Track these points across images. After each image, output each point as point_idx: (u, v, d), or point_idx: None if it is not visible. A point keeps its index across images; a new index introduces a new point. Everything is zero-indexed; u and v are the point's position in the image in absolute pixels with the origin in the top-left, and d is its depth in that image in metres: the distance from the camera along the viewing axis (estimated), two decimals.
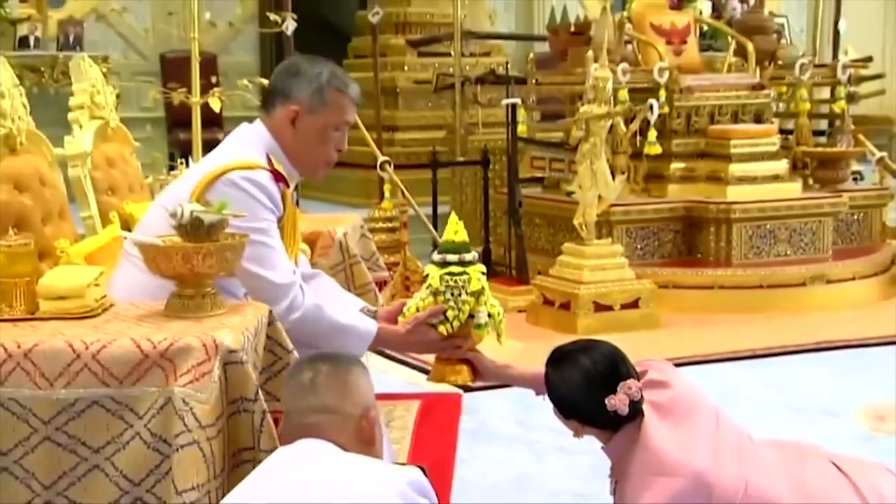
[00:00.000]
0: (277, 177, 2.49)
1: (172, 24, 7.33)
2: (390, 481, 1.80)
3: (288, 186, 2.52)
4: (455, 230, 2.52)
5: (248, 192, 2.42)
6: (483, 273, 2.51)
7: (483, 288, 2.47)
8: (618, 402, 2.15)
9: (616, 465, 2.24)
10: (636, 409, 2.19)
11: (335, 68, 2.63)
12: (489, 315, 2.50)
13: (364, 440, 1.95)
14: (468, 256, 2.50)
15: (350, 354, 2.15)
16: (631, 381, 2.18)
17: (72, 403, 1.92)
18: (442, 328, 2.49)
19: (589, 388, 2.19)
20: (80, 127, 3.22)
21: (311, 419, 1.92)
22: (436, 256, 2.53)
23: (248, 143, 2.59)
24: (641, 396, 2.19)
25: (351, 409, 1.95)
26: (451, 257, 2.49)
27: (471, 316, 2.48)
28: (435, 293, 2.48)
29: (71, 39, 8.31)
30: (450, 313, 2.47)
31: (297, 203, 2.71)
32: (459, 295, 2.47)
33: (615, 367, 2.22)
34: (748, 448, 2.21)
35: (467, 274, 2.47)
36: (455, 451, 3.43)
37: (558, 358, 2.31)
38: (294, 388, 1.98)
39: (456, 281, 2.47)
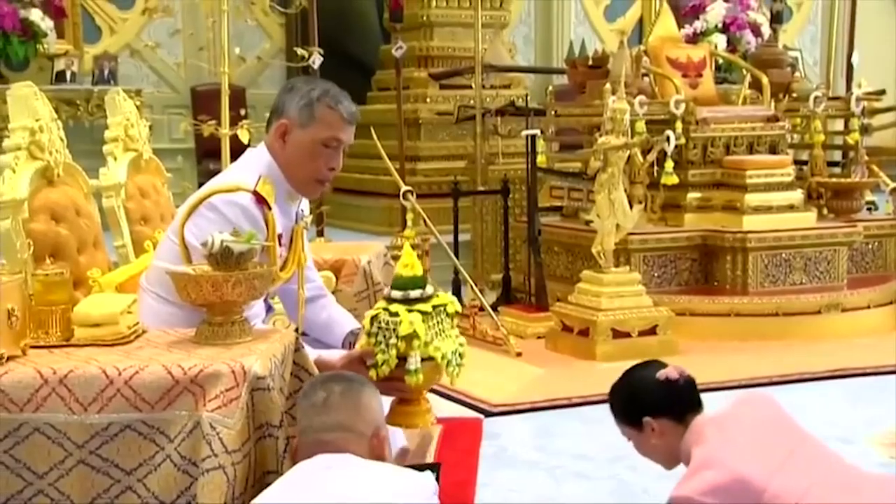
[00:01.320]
0: (259, 199, 2.46)
1: (203, 58, 7.42)
2: (423, 484, 1.90)
3: (269, 209, 2.47)
4: (406, 263, 2.32)
5: (226, 215, 2.40)
6: (430, 311, 2.29)
7: (416, 332, 2.24)
8: (668, 372, 2.38)
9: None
10: (691, 384, 2.38)
11: (331, 87, 2.61)
12: (427, 359, 2.27)
13: (376, 457, 2.00)
14: (413, 294, 2.29)
15: (361, 376, 2.17)
16: (675, 364, 2.42)
17: (105, 427, 1.94)
18: (372, 372, 2.29)
19: (640, 376, 2.43)
20: (115, 159, 3.25)
21: (328, 436, 1.97)
22: (385, 290, 2.38)
23: (244, 165, 2.62)
24: (692, 378, 2.39)
25: (363, 428, 2.01)
26: (396, 294, 2.30)
27: (403, 359, 2.27)
28: (368, 334, 2.30)
29: (106, 74, 8.41)
30: (379, 357, 2.27)
31: (297, 220, 2.66)
32: (390, 338, 2.26)
33: (656, 360, 2.48)
34: (825, 468, 2.23)
35: (398, 316, 2.26)
36: (476, 476, 3.42)
37: (612, 388, 2.50)
38: (308, 407, 2.02)
39: (388, 323, 2.27)
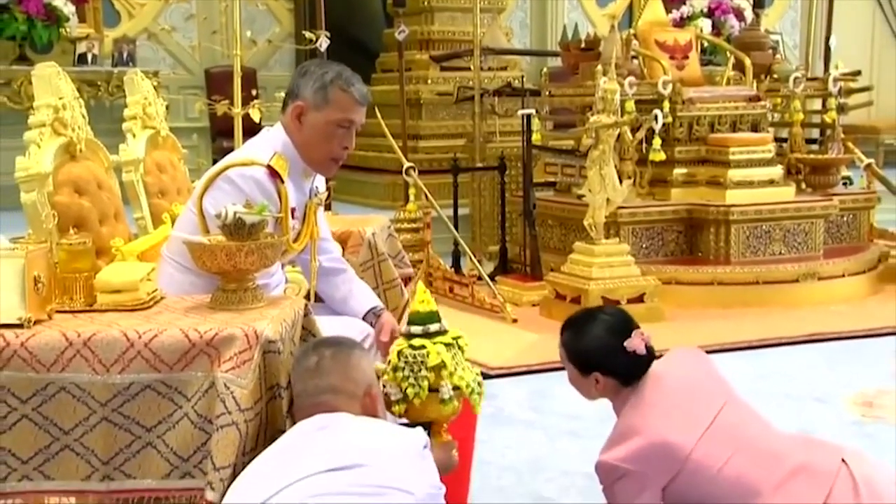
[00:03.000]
0: (273, 173, 2.45)
1: (216, 41, 7.37)
2: (414, 439, 1.91)
3: (283, 182, 2.46)
4: (422, 300, 2.25)
5: (241, 188, 2.40)
6: (451, 342, 2.22)
7: (443, 362, 2.17)
8: (634, 343, 2.26)
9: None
10: (650, 353, 2.28)
11: (343, 70, 2.58)
12: (455, 388, 2.19)
13: (369, 415, 2.01)
14: (433, 327, 2.22)
15: (351, 339, 2.17)
16: (641, 330, 2.29)
17: (126, 387, 1.94)
18: (396, 408, 2.18)
19: (609, 336, 2.30)
20: (134, 136, 3.24)
21: (321, 398, 1.98)
22: (403, 328, 2.31)
23: (259, 142, 2.60)
24: (653, 350, 2.28)
25: (354, 388, 2.01)
26: (416, 329, 2.22)
27: (434, 390, 2.18)
28: (395, 369, 2.20)
29: (124, 56, 8.36)
30: (409, 391, 2.16)
31: (312, 195, 2.65)
32: (419, 371, 2.17)
33: (628, 318, 2.34)
34: (750, 433, 2.18)
35: (425, 348, 2.18)
36: (475, 434, 3.43)
37: (574, 320, 2.38)
38: (301, 371, 2.02)
39: (415, 357, 2.18)
